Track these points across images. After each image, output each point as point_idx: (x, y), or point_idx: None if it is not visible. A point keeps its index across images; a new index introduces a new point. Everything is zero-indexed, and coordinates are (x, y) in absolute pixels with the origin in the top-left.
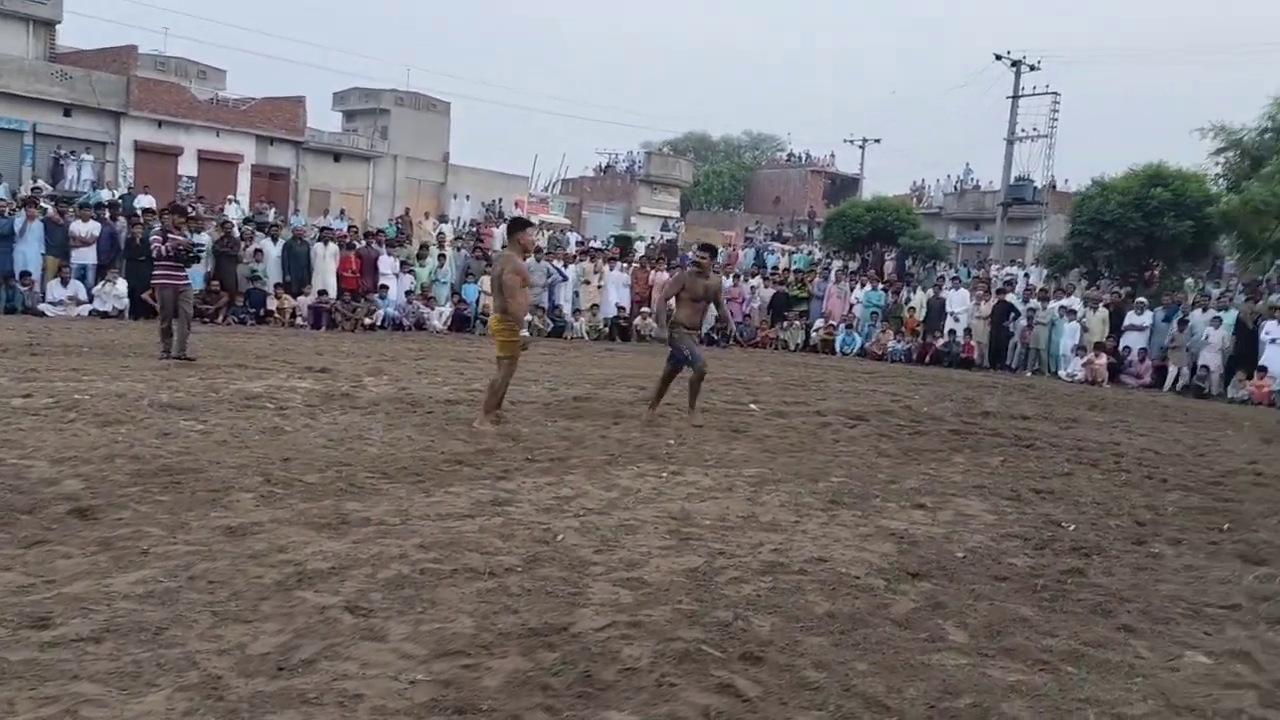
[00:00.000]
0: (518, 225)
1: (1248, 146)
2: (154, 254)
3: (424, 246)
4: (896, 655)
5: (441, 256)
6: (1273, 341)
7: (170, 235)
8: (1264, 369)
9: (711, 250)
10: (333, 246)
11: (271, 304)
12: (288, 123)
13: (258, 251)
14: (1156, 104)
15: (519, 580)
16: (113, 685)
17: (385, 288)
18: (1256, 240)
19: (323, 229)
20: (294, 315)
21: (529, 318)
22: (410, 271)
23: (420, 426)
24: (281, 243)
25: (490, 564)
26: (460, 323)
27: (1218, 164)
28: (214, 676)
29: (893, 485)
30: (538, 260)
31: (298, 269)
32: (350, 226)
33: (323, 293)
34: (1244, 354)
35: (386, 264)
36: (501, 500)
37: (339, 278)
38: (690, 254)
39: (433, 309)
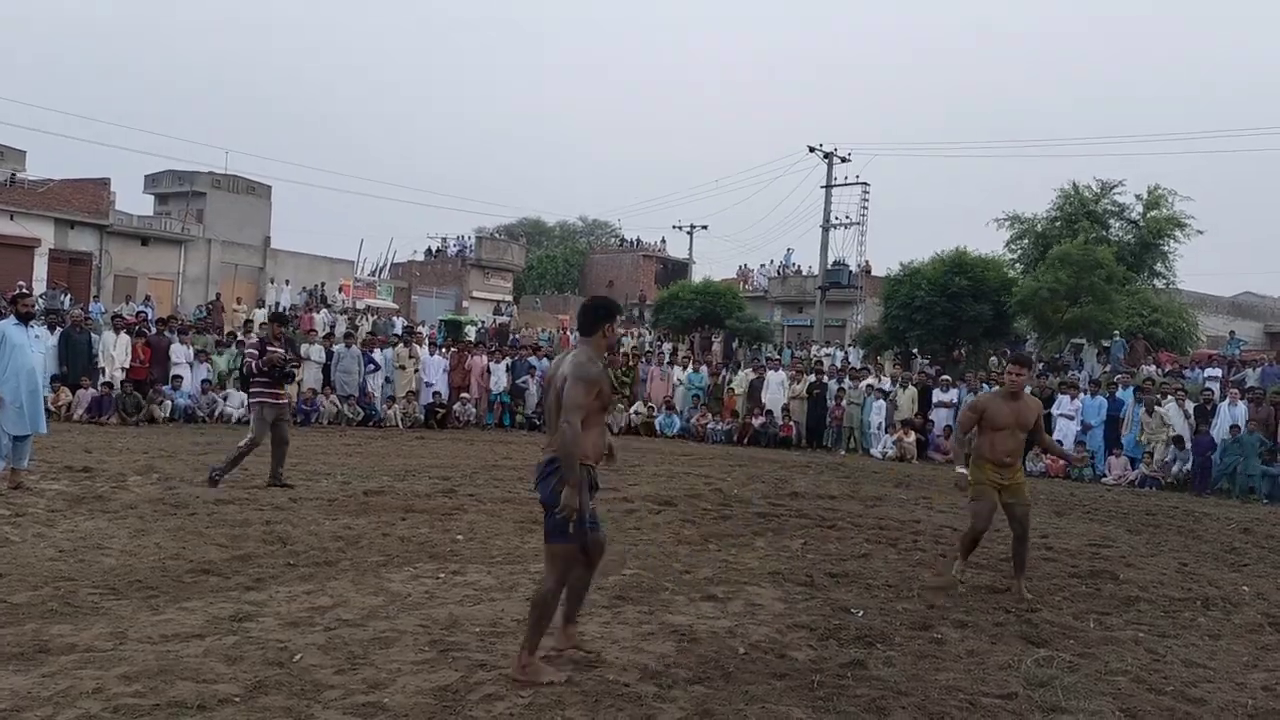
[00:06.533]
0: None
1: (1039, 234)
2: (246, 369)
3: (225, 333)
4: None
5: (241, 343)
6: (1062, 415)
7: (270, 348)
8: (1060, 443)
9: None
10: (124, 336)
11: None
12: (90, 205)
13: None
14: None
15: (233, 714)
16: None
17: (178, 378)
18: (1051, 321)
19: (114, 316)
20: (69, 410)
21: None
22: (207, 360)
23: (174, 531)
24: (59, 331)
25: (203, 695)
26: None
27: (1014, 251)
28: None
29: (686, 575)
30: (348, 347)
31: (76, 360)
32: (138, 312)
33: (108, 384)
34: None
35: (179, 352)
36: (244, 615)
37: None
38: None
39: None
